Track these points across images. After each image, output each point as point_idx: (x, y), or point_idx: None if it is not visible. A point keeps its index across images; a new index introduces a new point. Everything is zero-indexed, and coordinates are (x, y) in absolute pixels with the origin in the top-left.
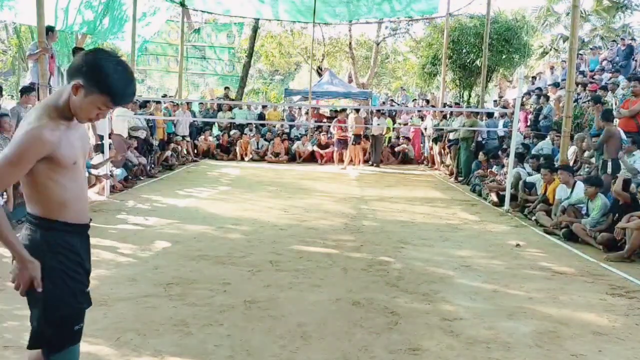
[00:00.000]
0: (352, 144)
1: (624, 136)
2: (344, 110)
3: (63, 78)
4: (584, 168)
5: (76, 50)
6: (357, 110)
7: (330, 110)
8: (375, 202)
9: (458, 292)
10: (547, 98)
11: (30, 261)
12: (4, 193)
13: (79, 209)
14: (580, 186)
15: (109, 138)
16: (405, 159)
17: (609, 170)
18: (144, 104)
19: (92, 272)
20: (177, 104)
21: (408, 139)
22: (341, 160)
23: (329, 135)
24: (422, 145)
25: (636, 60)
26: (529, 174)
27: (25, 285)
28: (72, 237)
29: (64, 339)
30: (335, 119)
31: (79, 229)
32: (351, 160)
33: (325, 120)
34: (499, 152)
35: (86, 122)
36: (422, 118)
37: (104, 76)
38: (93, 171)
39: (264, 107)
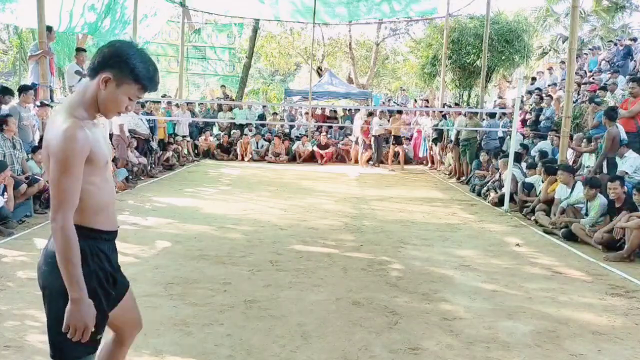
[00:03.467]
0: (393, 143)
1: (623, 135)
2: (371, 114)
3: (63, 78)
4: (583, 168)
5: (79, 50)
6: (400, 112)
7: (330, 111)
8: (375, 202)
9: (458, 291)
10: (551, 98)
11: (89, 304)
12: (5, 193)
13: (111, 213)
14: (579, 186)
15: (109, 139)
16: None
17: (605, 169)
18: (143, 105)
19: None
20: (177, 104)
21: (408, 139)
22: (367, 162)
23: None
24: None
25: (635, 61)
26: (524, 174)
27: (79, 332)
28: (103, 245)
29: (82, 349)
30: (362, 120)
31: (110, 236)
32: (382, 162)
33: (325, 120)
34: (492, 155)
35: (114, 117)
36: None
37: (133, 65)
38: None
39: (264, 107)
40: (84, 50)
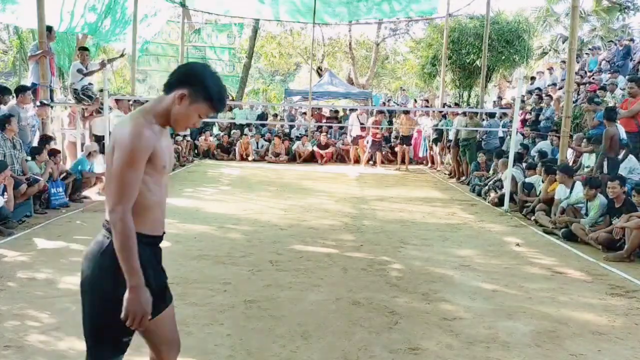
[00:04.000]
0: (400, 143)
1: (623, 135)
2: (381, 112)
3: (63, 78)
4: (583, 168)
5: (82, 49)
6: (407, 112)
7: (330, 111)
8: (375, 202)
9: (457, 291)
10: (550, 98)
11: (146, 292)
12: (5, 193)
13: (157, 218)
14: (579, 186)
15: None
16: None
17: (605, 169)
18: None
19: None
20: None
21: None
22: (368, 161)
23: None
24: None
25: (634, 61)
26: (524, 174)
27: (138, 319)
28: (145, 250)
29: (110, 350)
30: (371, 120)
31: (150, 240)
32: (392, 161)
33: (325, 120)
34: (493, 155)
35: (183, 131)
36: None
37: (207, 85)
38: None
39: (264, 107)
40: (87, 49)
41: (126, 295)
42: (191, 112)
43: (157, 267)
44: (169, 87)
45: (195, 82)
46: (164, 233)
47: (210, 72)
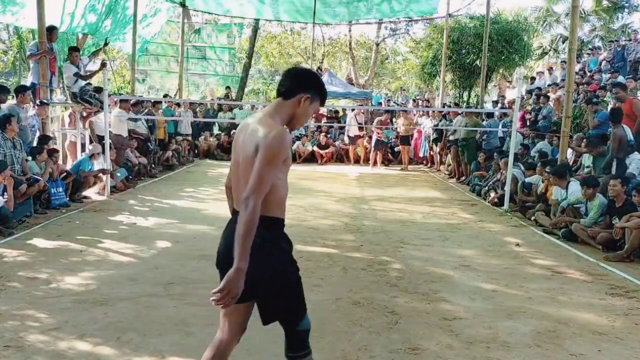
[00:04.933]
0: (401, 144)
1: (630, 136)
2: (388, 111)
3: (63, 77)
4: (583, 168)
5: (72, 49)
6: (406, 112)
7: (329, 111)
8: (375, 202)
9: (458, 291)
10: (547, 98)
11: (243, 277)
12: (5, 193)
13: (285, 206)
14: (573, 186)
15: (109, 139)
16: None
17: (613, 170)
18: (136, 104)
19: (92, 271)
20: (178, 104)
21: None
22: (375, 162)
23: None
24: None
25: (630, 61)
26: (524, 174)
27: (230, 298)
28: (282, 231)
29: (304, 308)
30: (377, 120)
31: (284, 223)
32: (391, 161)
33: (324, 120)
34: (494, 155)
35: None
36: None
37: (323, 87)
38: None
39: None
40: (78, 50)
41: (232, 273)
42: (310, 111)
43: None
44: (289, 93)
45: (313, 85)
46: None
47: (318, 76)
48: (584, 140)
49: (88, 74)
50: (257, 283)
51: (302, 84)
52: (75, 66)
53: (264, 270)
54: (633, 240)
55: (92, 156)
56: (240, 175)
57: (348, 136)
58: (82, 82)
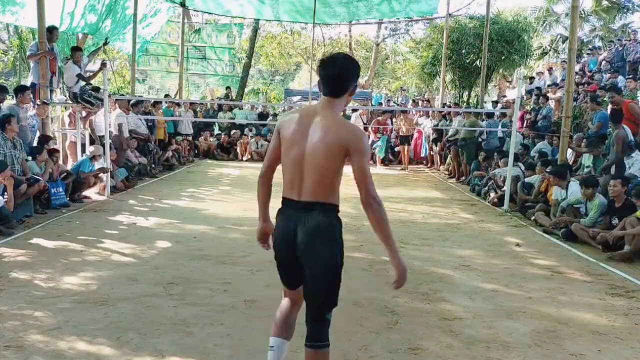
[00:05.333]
0: (401, 144)
1: (631, 136)
2: (386, 112)
3: (63, 77)
4: (583, 168)
5: (75, 49)
6: (406, 112)
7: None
8: None
9: (458, 291)
10: (547, 98)
11: (405, 267)
12: (5, 193)
13: None
14: (573, 186)
15: (109, 138)
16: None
17: (613, 170)
18: (136, 104)
19: (92, 271)
20: (177, 104)
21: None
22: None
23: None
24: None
25: (630, 61)
26: (524, 173)
27: (404, 283)
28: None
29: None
30: (374, 120)
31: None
32: (391, 161)
33: None
34: (494, 154)
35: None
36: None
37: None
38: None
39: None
40: (81, 50)
41: (401, 269)
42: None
43: None
44: (342, 92)
45: (357, 74)
46: None
47: (354, 59)
48: (584, 140)
49: (89, 74)
50: (317, 261)
51: (350, 75)
52: (77, 66)
53: (331, 252)
54: (636, 243)
55: (93, 157)
56: (306, 166)
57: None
58: (82, 82)
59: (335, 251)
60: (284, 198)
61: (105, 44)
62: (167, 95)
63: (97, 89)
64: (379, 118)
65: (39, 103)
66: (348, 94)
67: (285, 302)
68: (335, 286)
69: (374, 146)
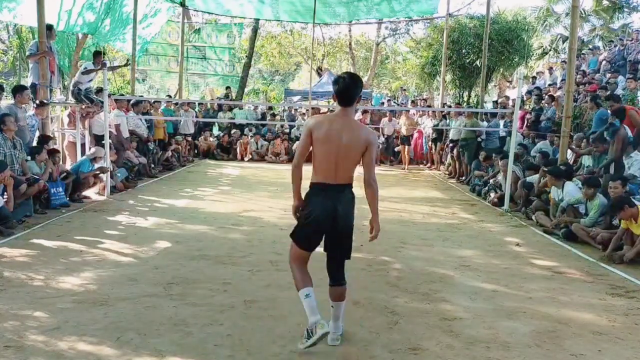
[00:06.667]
0: (402, 144)
1: (630, 134)
2: (366, 112)
3: (63, 77)
4: (583, 168)
5: (97, 54)
6: (406, 112)
7: (330, 110)
8: None
9: (458, 292)
10: (552, 98)
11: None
12: (5, 193)
13: None
14: (569, 186)
15: (109, 138)
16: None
17: (612, 170)
18: (136, 104)
19: (92, 271)
20: (176, 103)
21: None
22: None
23: None
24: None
25: (630, 61)
26: (523, 173)
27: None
28: None
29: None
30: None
31: None
32: (392, 161)
33: None
34: (493, 155)
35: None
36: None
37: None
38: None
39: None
40: (101, 54)
41: (377, 223)
42: None
43: None
44: (353, 99)
45: (361, 89)
46: None
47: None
48: (584, 140)
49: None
50: (349, 226)
51: (358, 92)
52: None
53: (352, 218)
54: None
55: (94, 159)
56: (341, 159)
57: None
58: (90, 83)
59: (353, 215)
60: (318, 183)
61: (127, 64)
62: (169, 96)
63: (99, 90)
64: (360, 117)
65: (38, 103)
66: (356, 102)
67: (299, 263)
68: (352, 237)
69: None
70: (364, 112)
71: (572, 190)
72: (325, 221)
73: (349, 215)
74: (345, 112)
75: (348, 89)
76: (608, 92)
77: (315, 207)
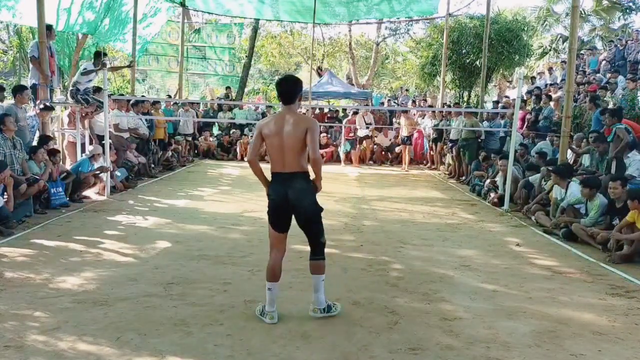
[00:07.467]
0: (402, 144)
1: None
2: (356, 113)
3: (63, 77)
4: (583, 168)
5: (97, 54)
6: (406, 112)
7: (330, 110)
8: (375, 202)
9: (458, 292)
10: (550, 98)
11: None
12: (5, 193)
13: None
14: (573, 186)
15: (109, 138)
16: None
17: (613, 170)
18: (135, 104)
19: (92, 271)
20: (176, 103)
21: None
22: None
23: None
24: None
25: (630, 61)
26: (523, 173)
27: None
28: None
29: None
30: (345, 120)
31: None
32: (400, 161)
33: (326, 120)
34: (492, 155)
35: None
36: (423, 117)
37: (297, 85)
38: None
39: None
40: (103, 54)
41: (318, 187)
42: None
43: None
44: (294, 98)
45: (300, 89)
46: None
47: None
48: (584, 140)
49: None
50: (308, 210)
51: (298, 91)
52: (94, 67)
53: (312, 201)
54: (637, 246)
55: (92, 157)
56: (287, 149)
57: (358, 136)
58: (90, 84)
59: (313, 199)
60: (273, 172)
61: (130, 65)
62: (170, 97)
63: (98, 89)
64: (348, 118)
65: (41, 107)
66: (298, 99)
67: (274, 254)
68: (320, 220)
69: (341, 147)
70: (355, 113)
71: (576, 191)
72: (281, 204)
73: (302, 200)
74: (289, 109)
75: (288, 90)
76: (611, 106)
77: (272, 192)
